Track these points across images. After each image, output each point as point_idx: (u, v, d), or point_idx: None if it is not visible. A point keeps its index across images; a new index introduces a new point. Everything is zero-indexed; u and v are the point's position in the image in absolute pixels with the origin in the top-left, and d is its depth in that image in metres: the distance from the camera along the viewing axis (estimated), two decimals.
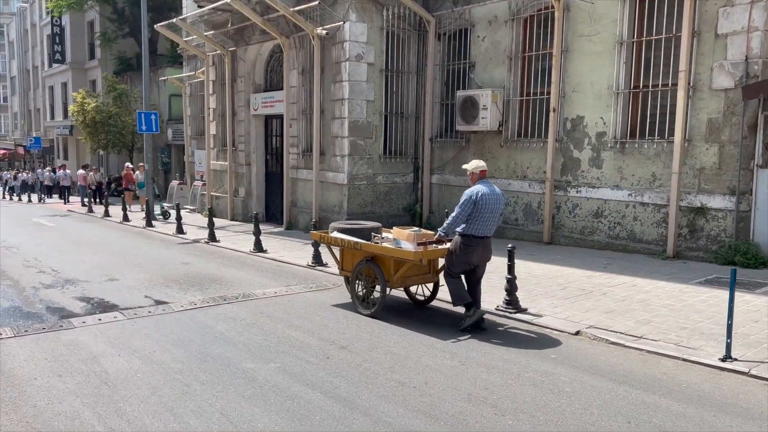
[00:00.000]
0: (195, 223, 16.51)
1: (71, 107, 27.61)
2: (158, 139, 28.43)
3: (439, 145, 13.84)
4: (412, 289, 7.39)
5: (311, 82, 14.12)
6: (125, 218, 17.46)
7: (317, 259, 9.77)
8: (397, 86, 13.74)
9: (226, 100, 17.17)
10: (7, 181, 34.16)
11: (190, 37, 18.61)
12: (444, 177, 13.72)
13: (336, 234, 7.06)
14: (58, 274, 9.38)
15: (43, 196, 29.61)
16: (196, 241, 13.29)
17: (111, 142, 27.58)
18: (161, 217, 17.98)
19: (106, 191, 25.22)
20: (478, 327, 6.14)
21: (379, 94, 13.51)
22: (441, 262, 6.78)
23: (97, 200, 22.23)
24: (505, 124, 12.25)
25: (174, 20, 16.88)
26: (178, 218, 14.48)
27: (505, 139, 12.29)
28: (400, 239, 6.42)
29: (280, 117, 16.09)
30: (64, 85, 35.96)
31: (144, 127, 17.35)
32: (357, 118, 13.19)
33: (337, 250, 7.36)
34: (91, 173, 24.25)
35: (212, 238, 12.92)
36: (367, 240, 6.80)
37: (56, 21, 34.36)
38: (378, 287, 6.71)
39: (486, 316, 6.48)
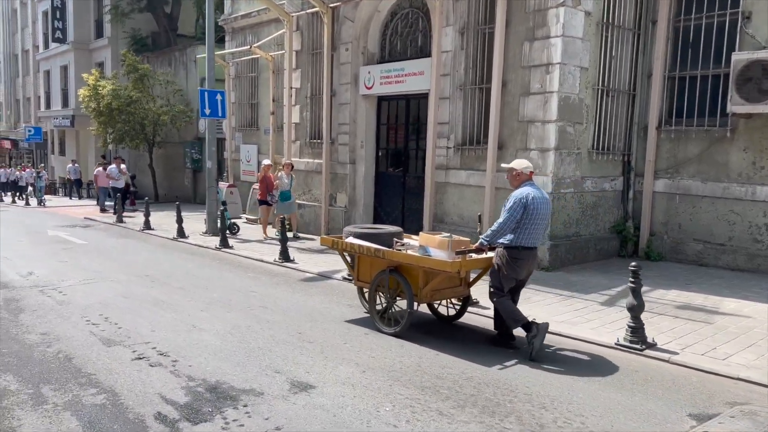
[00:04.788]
0: (275, 241, 11.96)
1: (81, 91, 22.72)
2: (185, 132, 23.81)
3: (672, 136, 9.55)
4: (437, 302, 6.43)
5: (479, 42, 9.77)
6: (180, 233, 12.87)
7: (640, 335, 5.41)
8: (611, 49, 9.44)
9: (322, 76, 12.70)
10: (16, 180, 28.62)
11: None
12: (679, 183, 9.45)
13: (352, 240, 6.22)
14: (177, 366, 4.90)
15: (42, 197, 24.75)
16: (324, 276, 8.84)
17: (129, 135, 22.77)
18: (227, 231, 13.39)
19: (131, 195, 20.61)
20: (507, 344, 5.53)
21: (594, 59, 9.21)
22: (474, 273, 6.21)
23: (123, 206, 17.49)
24: None
25: None
26: (283, 240, 9.98)
27: None
28: (430, 246, 5.59)
29: (405, 98, 11.77)
30: (64, 68, 30.94)
31: (208, 111, 12.82)
32: (568, 94, 8.86)
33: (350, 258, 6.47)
34: (123, 166, 19.26)
35: None
36: (387, 246, 5.97)
37: None
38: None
39: None
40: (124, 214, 16.94)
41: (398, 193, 12.15)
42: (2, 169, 33.32)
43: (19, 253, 10.74)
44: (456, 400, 4.30)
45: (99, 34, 29.03)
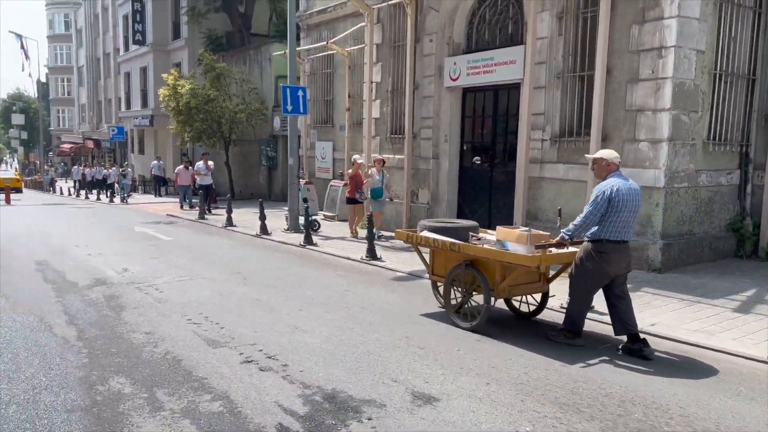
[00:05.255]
0: (356, 239, 11.71)
1: (162, 91, 23.31)
2: (260, 130, 24.08)
3: None
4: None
5: (580, 27, 9.14)
6: (263, 230, 12.84)
7: None
8: (730, 29, 8.61)
9: (404, 69, 12.35)
10: (105, 179, 29.70)
11: None
12: None
13: (426, 233, 6.15)
14: (288, 371, 4.64)
15: (126, 195, 25.63)
16: (414, 275, 8.46)
17: (206, 133, 23.18)
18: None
19: (214, 192, 20.87)
20: (640, 356, 4.95)
21: (711, 41, 8.42)
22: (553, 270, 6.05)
23: (206, 203, 17.73)
24: None
25: None
26: (370, 237, 9.70)
27: None
28: (507, 241, 5.39)
29: (494, 88, 11.25)
30: (144, 70, 32.01)
31: (290, 107, 12.68)
32: (683, 79, 8.12)
33: (425, 252, 6.45)
34: (211, 162, 19.41)
35: None
36: (463, 240, 5.83)
37: None
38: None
39: None
40: (206, 211, 17.16)
41: (485, 189, 11.65)
42: (88, 169, 34.82)
43: (110, 250, 10.95)
44: (602, 420, 3.83)
45: (176, 35, 29.82)
